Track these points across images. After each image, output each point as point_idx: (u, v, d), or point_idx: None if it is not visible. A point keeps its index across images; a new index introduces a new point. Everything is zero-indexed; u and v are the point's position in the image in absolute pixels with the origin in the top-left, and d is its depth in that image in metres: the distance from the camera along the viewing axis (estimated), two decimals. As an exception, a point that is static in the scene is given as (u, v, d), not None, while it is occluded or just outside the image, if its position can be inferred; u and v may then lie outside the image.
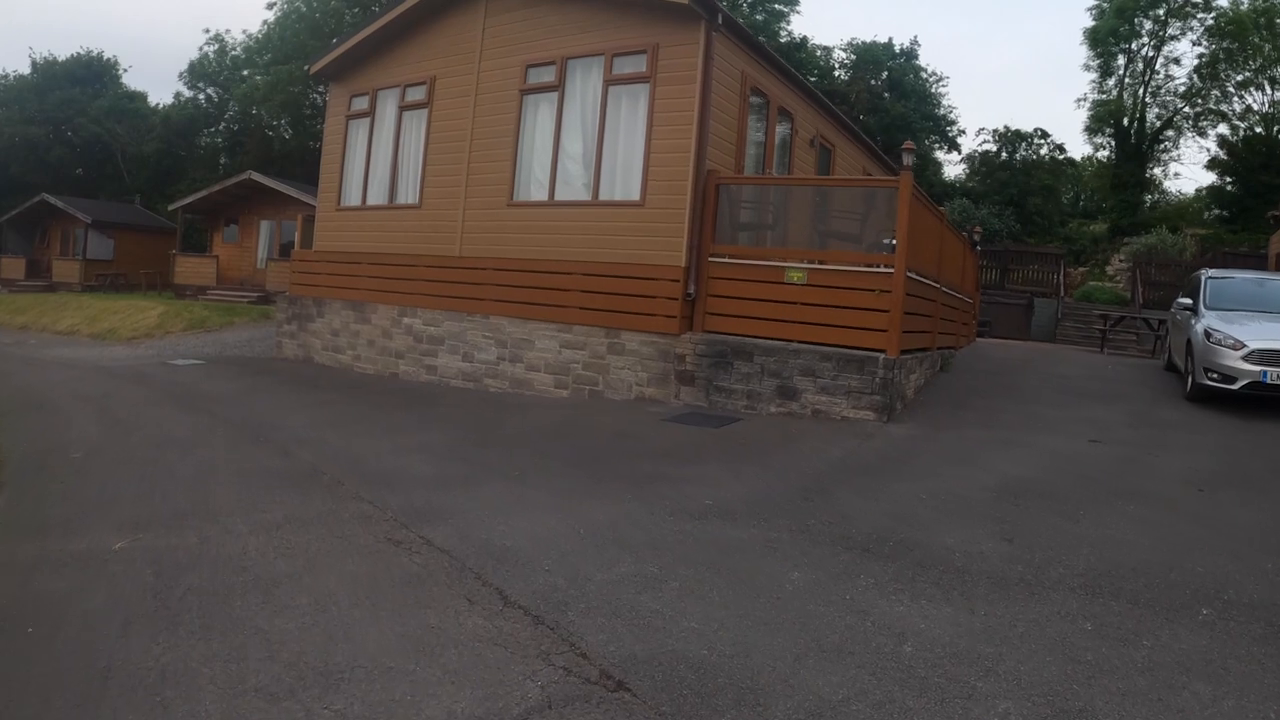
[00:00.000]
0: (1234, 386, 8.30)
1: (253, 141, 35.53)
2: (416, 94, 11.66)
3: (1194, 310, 9.59)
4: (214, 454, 6.53)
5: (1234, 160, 27.74)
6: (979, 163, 32.61)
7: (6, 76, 41.75)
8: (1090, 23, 29.88)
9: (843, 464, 6.43)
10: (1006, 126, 32.82)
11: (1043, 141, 31.69)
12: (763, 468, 6.31)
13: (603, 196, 9.64)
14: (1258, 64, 27.39)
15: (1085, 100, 31.37)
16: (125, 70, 47.28)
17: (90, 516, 4.86)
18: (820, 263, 8.48)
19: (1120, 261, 24.29)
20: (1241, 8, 27.18)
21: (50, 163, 38.45)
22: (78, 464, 6.20)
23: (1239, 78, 28.13)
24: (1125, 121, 29.82)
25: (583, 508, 5.17)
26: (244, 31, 60.55)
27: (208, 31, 60.93)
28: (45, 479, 5.79)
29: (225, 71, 39.18)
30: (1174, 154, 33.04)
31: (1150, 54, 29.36)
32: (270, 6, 34.50)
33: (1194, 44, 28.84)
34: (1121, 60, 29.90)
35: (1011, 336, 18.96)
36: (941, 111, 35.94)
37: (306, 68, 15.46)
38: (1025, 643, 3.41)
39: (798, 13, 47.61)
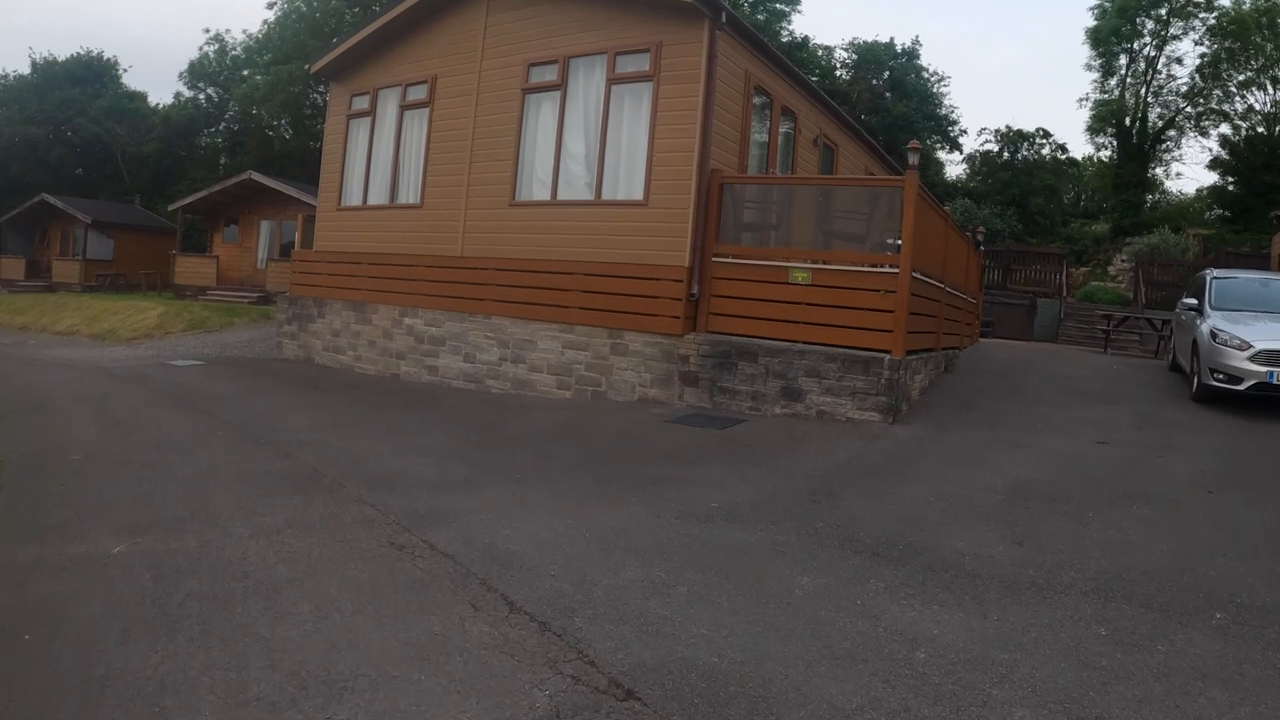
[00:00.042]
0: (1240, 387, 8.26)
1: (253, 141, 35.48)
2: (418, 93, 11.60)
3: (1199, 310, 9.54)
4: (214, 456, 6.47)
5: (1236, 160, 27.73)
6: (981, 163, 32.63)
7: (6, 76, 41.86)
8: (1092, 22, 29.87)
9: (849, 466, 6.38)
10: (1008, 126, 32.96)
11: (1044, 141, 31.76)
12: (768, 470, 6.26)
13: (605, 196, 9.58)
14: (1260, 64, 27.35)
15: (1087, 100, 31.38)
16: (125, 70, 47.43)
17: (89, 519, 4.81)
18: (825, 263, 8.43)
19: (1123, 261, 24.24)
20: (1243, 7, 27.14)
21: (50, 163, 38.42)
22: (77, 466, 6.15)
23: (1241, 77, 28.13)
24: (1127, 121, 29.77)
25: (587, 511, 5.11)
26: (244, 31, 60.68)
27: (208, 31, 61.04)
28: (44, 481, 5.74)
29: (225, 71, 39.14)
30: (1176, 154, 32.91)
31: (1152, 53, 29.33)
32: (270, 6, 34.58)
33: (1196, 43, 28.88)
34: (1123, 60, 29.87)
35: (1014, 337, 18.91)
36: (943, 111, 35.90)
37: (307, 67, 15.42)
38: (1039, 648, 3.36)
39: (799, 12, 47.66)
